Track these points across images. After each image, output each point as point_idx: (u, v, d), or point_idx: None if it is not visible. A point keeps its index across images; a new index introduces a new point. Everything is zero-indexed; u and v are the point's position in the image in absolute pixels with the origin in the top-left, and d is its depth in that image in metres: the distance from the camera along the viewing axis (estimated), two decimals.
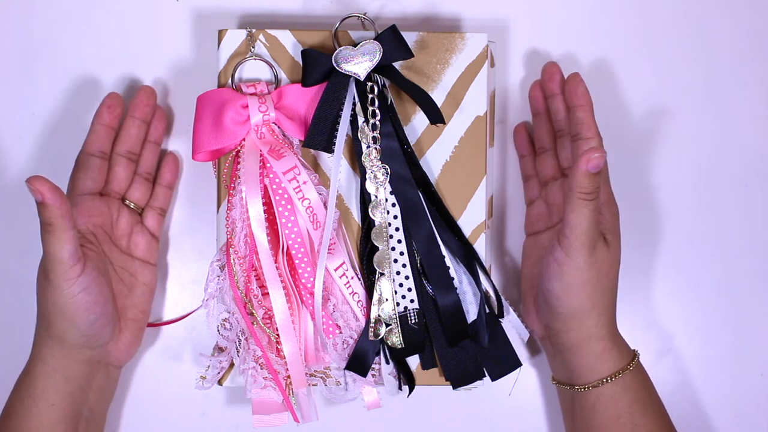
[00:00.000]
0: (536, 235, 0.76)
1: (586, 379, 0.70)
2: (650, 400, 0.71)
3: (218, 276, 0.71)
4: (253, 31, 0.72)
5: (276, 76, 0.72)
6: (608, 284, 0.70)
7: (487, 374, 0.73)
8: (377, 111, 0.71)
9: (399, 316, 0.72)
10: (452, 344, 0.72)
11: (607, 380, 0.69)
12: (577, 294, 0.68)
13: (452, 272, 0.72)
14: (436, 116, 0.70)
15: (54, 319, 0.68)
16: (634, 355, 0.71)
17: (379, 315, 0.71)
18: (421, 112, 0.72)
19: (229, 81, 0.72)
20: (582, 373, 0.70)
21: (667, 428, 0.71)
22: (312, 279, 0.71)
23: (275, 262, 0.70)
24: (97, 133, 0.73)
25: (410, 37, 0.72)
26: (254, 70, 0.72)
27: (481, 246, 0.73)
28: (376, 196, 0.72)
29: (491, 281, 0.73)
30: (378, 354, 0.72)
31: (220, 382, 0.72)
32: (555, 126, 0.76)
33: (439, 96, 0.73)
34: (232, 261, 0.71)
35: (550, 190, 0.76)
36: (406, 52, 0.71)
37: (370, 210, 0.72)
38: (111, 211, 0.74)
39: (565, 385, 0.72)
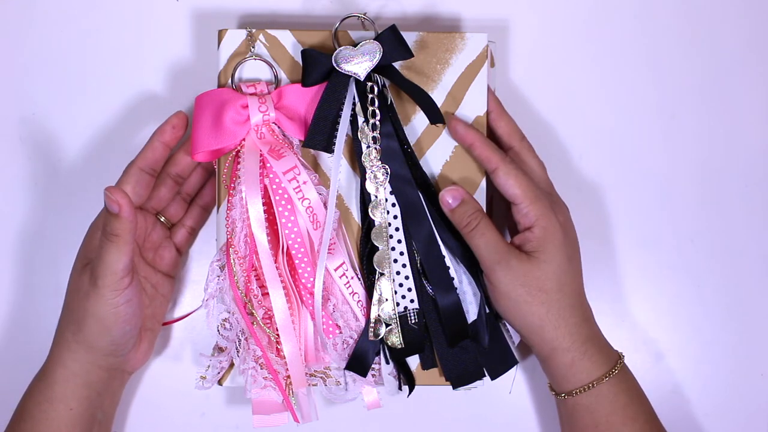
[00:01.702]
0: None
1: (562, 388, 0.70)
2: (633, 408, 0.70)
3: (218, 276, 0.71)
4: (253, 31, 0.72)
5: (276, 76, 0.72)
6: (546, 297, 0.68)
7: (486, 374, 0.73)
8: (377, 111, 0.71)
9: (399, 316, 0.72)
10: (452, 344, 0.72)
11: (580, 390, 0.69)
12: (517, 312, 0.69)
13: (452, 272, 0.72)
14: (436, 116, 0.70)
15: (89, 325, 0.68)
16: (616, 361, 0.70)
17: (379, 315, 0.71)
18: (421, 112, 0.72)
19: (229, 81, 0.72)
20: (557, 381, 0.71)
21: None
22: (312, 279, 0.71)
23: (275, 262, 0.70)
24: (155, 150, 0.72)
25: (410, 37, 0.72)
26: (254, 70, 0.72)
27: None
28: (376, 196, 0.72)
29: None
30: (378, 354, 0.72)
31: (220, 382, 0.72)
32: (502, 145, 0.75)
33: (439, 96, 0.73)
34: (232, 261, 0.71)
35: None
36: (406, 52, 0.71)
37: (370, 210, 0.72)
38: (146, 225, 0.74)
39: (551, 391, 0.72)
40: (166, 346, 0.79)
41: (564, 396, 0.70)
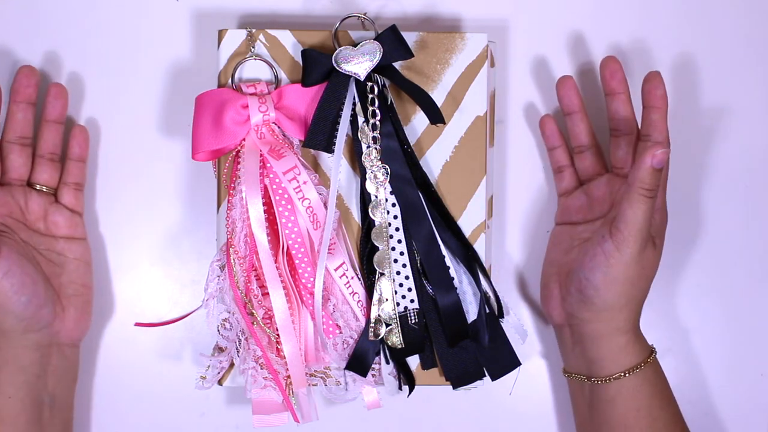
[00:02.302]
0: (572, 225, 0.76)
1: (608, 371, 0.71)
2: (667, 393, 0.72)
3: (218, 276, 0.71)
4: (253, 31, 0.72)
5: (276, 76, 0.72)
6: (645, 284, 0.71)
7: (487, 374, 0.73)
8: (377, 111, 0.71)
9: (399, 316, 0.72)
10: (452, 344, 0.72)
11: (628, 372, 0.70)
12: (617, 288, 0.69)
13: (452, 272, 0.72)
14: (436, 116, 0.70)
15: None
16: (652, 349, 0.72)
17: (379, 315, 0.71)
18: (421, 112, 0.72)
19: (229, 81, 0.72)
20: (604, 364, 0.71)
21: (682, 423, 0.72)
22: (312, 279, 0.71)
23: (275, 262, 0.70)
24: (13, 115, 0.72)
25: (410, 37, 0.72)
26: (254, 70, 0.72)
27: (481, 246, 0.73)
28: (376, 196, 0.72)
29: (491, 281, 0.73)
30: (378, 354, 0.72)
31: (220, 382, 0.72)
32: (611, 125, 0.76)
33: (439, 96, 0.73)
34: (232, 261, 0.71)
35: (595, 185, 0.75)
36: (406, 52, 0.71)
37: (370, 210, 0.72)
38: (16, 199, 0.73)
39: (582, 377, 0.72)
40: (166, 346, 0.79)
41: (607, 380, 0.71)
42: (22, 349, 0.69)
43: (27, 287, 0.69)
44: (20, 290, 0.68)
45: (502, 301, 0.72)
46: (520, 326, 0.74)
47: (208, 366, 0.72)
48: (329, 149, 0.70)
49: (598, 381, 0.71)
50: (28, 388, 0.69)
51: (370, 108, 0.71)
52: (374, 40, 0.70)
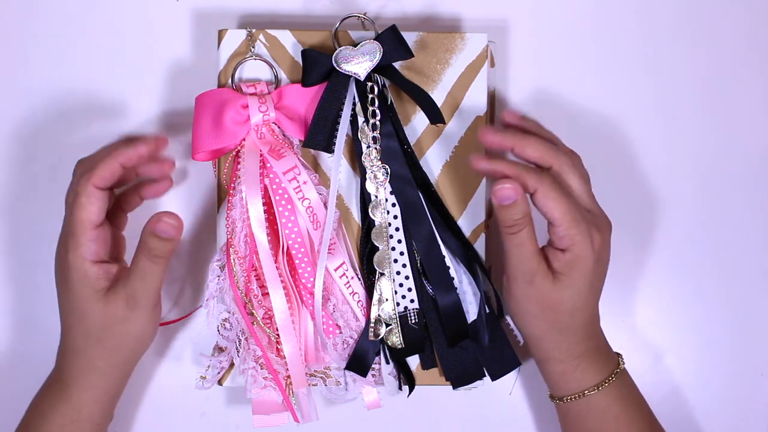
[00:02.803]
0: None
1: (555, 393, 0.71)
2: (626, 417, 0.69)
3: (218, 276, 0.71)
4: (253, 31, 0.72)
5: (276, 76, 0.72)
6: (555, 317, 0.67)
7: (487, 374, 0.73)
8: (377, 111, 0.71)
9: (399, 316, 0.72)
10: (452, 344, 0.72)
11: (570, 398, 0.69)
12: (522, 319, 0.69)
13: (452, 272, 0.72)
14: (436, 116, 0.70)
15: (128, 348, 0.70)
16: (612, 372, 0.69)
17: (379, 315, 0.71)
18: (421, 112, 0.72)
19: (229, 81, 0.72)
20: (550, 386, 0.71)
21: None
22: (312, 279, 0.71)
23: (275, 262, 0.70)
24: (138, 153, 0.70)
25: (410, 37, 0.72)
26: (254, 70, 0.72)
27: (481, 246, 0.73)
28: (376, 196, 0.72)
29: (491, 281, 0.73)
30: (378, 354, 0.72)
31: (220, 382, 0.72)
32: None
33: (439, 96, 0.73)
34: (232, 261, 0.71)
35: None
36: (406, 52, 0.71)
37: (370, 210, 0.72)
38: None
39: (548, 393, 0.73)
40: (166, 346, 0.79)
41: (557, 401, 0.71)
42: (124, 379, 0.72)
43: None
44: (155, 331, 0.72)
45: (502, 301, 0.72)
46: None
47: (208, 366, 0.72)
48: (329, 149, 0.70)
49: (553, 399, 0.71)
50: (111, 413, 0.72)
51: (370, 108, 0.71)
52: (374, 40, 0.70)
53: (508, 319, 0.73)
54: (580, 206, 0.67)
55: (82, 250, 0.67)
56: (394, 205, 0.72)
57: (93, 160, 0.70)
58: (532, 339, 0.69)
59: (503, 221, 0.66)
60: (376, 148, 0.71)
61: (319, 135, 0.70)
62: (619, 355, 0.71)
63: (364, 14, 0.72)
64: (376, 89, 0.71)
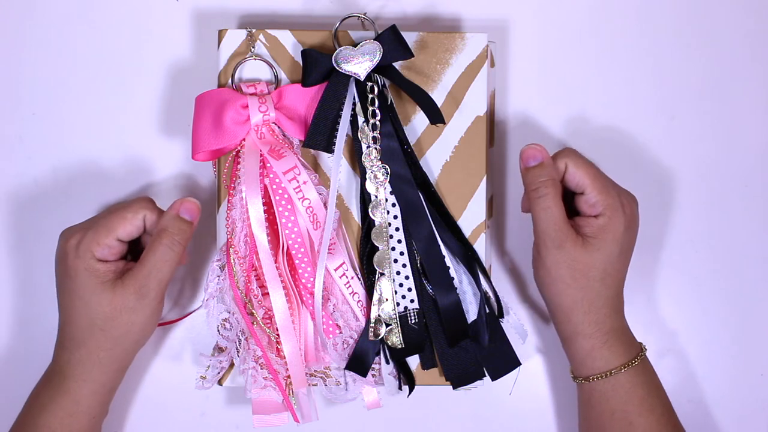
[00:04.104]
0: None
1: (580, 372, 0.71)
2: (650, 401, 0.70)
3: (218, 276, 0.71)
4: (253, 31, 0.72)
5: (276, 76, 0.72)
6: (587, 283, 0.69)
7: (487, 374, 0.73)
8: (377, 111, 0.71)
9: (399, 316, 0.72)
10: (452, 344, 0.72)
11: (596, 377, 0.70)
12: (553, 289, 0.69)
13: (452, 272, 0.72)
14: (436, 116, 0.71)
15: (132, 339, 0.70)
16: (637, 354, 0.70)
17: (379, 315, 0.71)
18: (421, 112, 0.72)
19: (229, 81, 0.72)
20: (575, 366, 0.71)
21: (669, 430, 0.70)
22: (312, 279, 0.71)
23: (275, 262, 0.70)
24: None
25: (410, 37, 0.72)
26: (254, 70, 0.72)
27: (481, 246, 0.73)
28: (376, 196, 0.72)
29: (491, 281, 0.73)
30: (378, 354, 0.72)
31: (220, 382, 0.72)
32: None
33: (439, 96, 0.73)
34: (232, 261, 0.71)
35: None
36: (406, 52, 0.71)
37: (370, 210, 0.72)
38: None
39: (571, 374, 0.73)
40: (166, 346, 0.79)
41: (581, 381, 0.71)
42: (123, 370, 0.72)
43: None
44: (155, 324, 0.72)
45: (502, 301, 0.72)
46: (520, 326, 0.74)
47: (208, 366, 0.72)
48: (329, 149, 0.70)
49: (576, 381, 0.71)
50: (108, 405, 0.72)
51: (370, 108, 0.71)
52: (374, 40, 0.70)
53: (508, 319, 0.73)
54: (607, 176, 0.70)
55: (97, 250, 0.69)
56: (394, 205, 0.72)
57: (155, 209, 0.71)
58: (561, 312, 0.70)
59: (529, 184, 0.69)
60: (376, 148, 0.71)
61: (319, 135, 0.70)
62: (640, 343, 0.72)
63: (364, 14, 0.72)
64: (376, 89, 0.71)
